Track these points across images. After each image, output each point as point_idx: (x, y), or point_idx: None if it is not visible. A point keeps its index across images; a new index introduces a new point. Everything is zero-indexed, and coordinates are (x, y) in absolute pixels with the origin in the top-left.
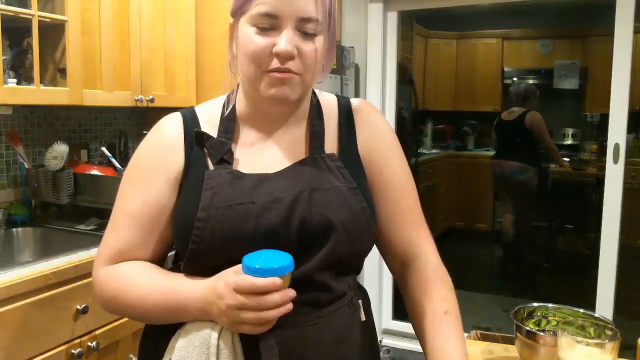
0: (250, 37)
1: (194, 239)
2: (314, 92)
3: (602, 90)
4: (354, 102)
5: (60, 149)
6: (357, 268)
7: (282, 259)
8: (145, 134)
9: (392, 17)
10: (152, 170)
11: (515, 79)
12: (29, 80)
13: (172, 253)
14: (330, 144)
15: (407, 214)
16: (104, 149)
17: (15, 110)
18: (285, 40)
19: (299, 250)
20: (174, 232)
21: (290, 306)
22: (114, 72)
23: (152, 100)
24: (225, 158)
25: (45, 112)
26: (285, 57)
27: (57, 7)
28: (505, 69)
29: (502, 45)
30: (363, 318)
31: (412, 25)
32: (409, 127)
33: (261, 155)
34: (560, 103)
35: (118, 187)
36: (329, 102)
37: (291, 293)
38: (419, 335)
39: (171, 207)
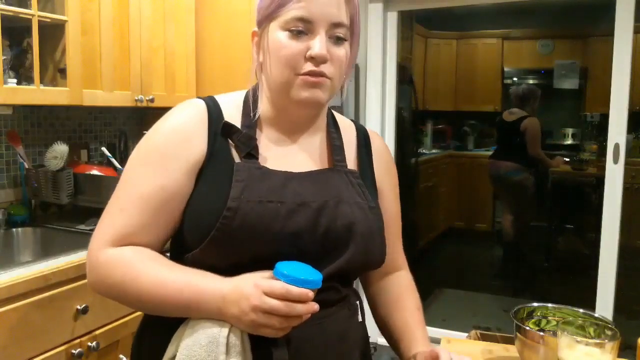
0: (282, 41)
1: (220, 227)
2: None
3: (602, 90)
4: (370, 131)
5: (60, 149)
6: (358, 276)
7: (314, 273)
8: (145, 134)
9: (392, 17)
10: (173, 155)
11: (515, 79)
12: (29, 80)
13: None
14: (351, 162)
15: (393, 236)
16: (104, 149)
17: (15, 110)
18: (320, 44)
19: (318, 256)
20: (192, 220)
21: (307, 317)
22: (114, 72)
23: (152, 100)
24: (252, 153)
25: (45, 112)
26: (321, 61)
27: (57, 7)
28: (505, 69)
29: (502, 45)
30: (360, 319)
31: (412, 25)
32: (409, 127)
33: (284, 155)
34: (560, 103)
35: None
36: (345, 122)
37: (316, 307)
38: (394, 324)
39: (184, 195)
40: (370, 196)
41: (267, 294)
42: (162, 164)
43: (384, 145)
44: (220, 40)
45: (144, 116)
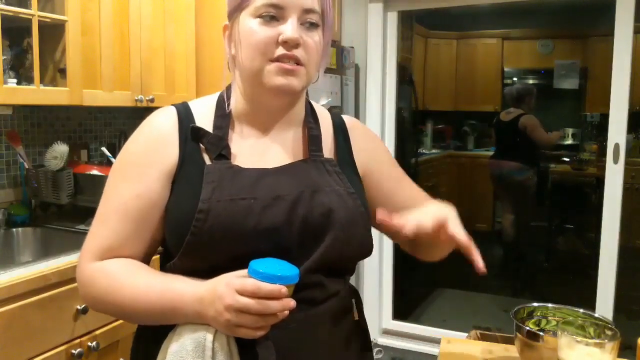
0: (253, 28)
1: (194, 230)
2: (307, 98)
3: (602, 90)
4: (346, 118)
5: (60, 149)
6: (351, 270)
7: (290, 269)
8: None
9: (392, 17)
10: (146, 164)
11: (515, 79)
12: (29, 80)
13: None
14: (328, 151)
15: (415, 199)
16: (104, 149)
17: (15, 110)
18: (292, 28)
19: (297, 249)
20: (170, 226)
21: (286, 314)
22: (114, 72)
23: (152, 100)
24: (223, 153)
25: (45, 112)
26: (292, 45)
27: (57, 7)
28: (505, 69)
29: (502, 45)
30: (356, 317)
31: (412, 25)
32: (409, 127)
33: (258, 151)
34: (560, 103)
35: None
36: (322, 112)
37: (292, 303)
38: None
39: (163, 202)
40: (349, 183)
41: (239, 292)
42: (137, 173)
43: (361, 127)
44: (220, 40)
45: (144, 116)
